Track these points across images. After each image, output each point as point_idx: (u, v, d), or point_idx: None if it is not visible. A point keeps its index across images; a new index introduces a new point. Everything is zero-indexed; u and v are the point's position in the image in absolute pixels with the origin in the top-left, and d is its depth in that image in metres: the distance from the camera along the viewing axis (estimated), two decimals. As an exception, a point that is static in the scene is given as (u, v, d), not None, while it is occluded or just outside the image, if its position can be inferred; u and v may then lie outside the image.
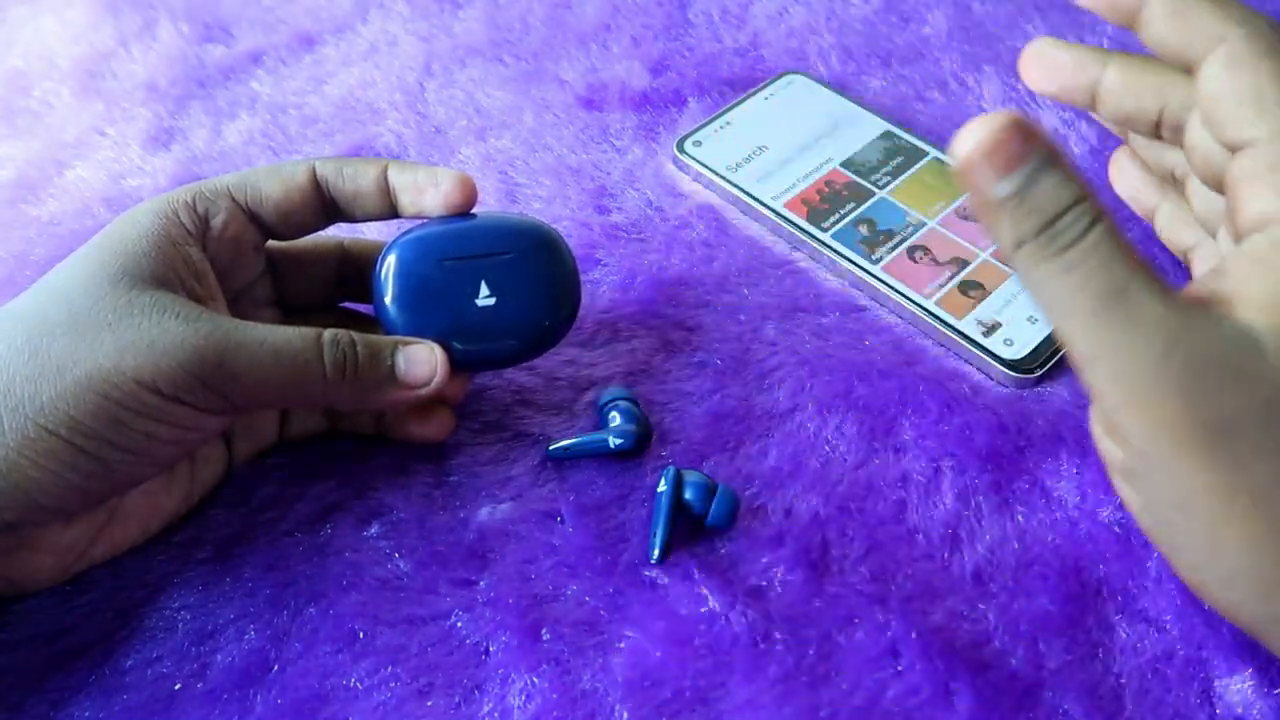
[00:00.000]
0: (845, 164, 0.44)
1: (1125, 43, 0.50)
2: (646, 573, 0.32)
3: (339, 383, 0.30)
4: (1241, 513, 0.21)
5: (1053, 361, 0.37)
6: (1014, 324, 0.38)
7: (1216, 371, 0.21)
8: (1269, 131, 0.23)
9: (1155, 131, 0.30)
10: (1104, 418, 0.24)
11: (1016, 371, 0.37)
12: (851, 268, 0.40)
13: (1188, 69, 0.26)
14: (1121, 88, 0.29)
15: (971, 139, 0.22)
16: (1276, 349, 0.21)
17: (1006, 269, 0.40)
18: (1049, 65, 0.29)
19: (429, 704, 0.29)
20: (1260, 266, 0.22)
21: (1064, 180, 0.22)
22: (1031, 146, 0.21)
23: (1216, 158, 0.27)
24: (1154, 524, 0.25)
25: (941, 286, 0.39)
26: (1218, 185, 0.28)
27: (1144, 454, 0.22)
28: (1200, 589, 0.25)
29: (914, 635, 0.30)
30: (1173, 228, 0.35)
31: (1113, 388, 0.22)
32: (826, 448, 0.35)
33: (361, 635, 0.31)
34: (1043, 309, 0.23)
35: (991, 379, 0.37)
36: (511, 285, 0.32)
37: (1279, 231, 0.23)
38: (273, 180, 0.33)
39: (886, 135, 0.45)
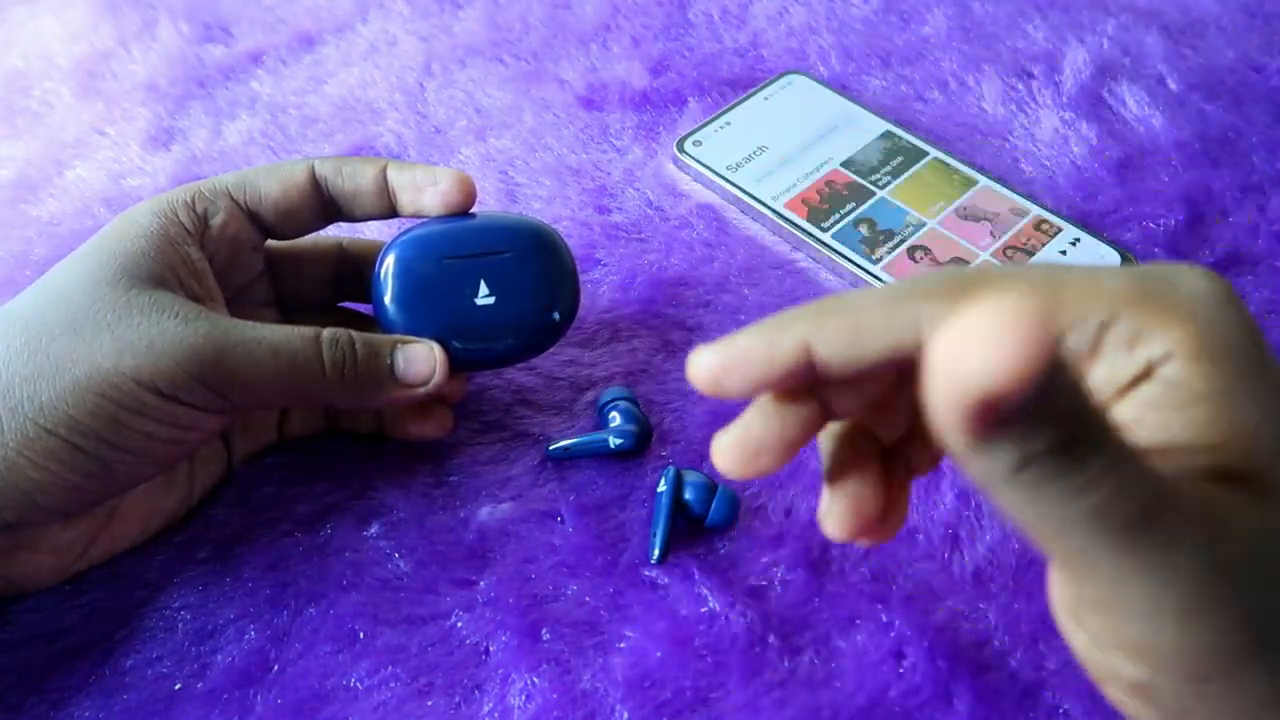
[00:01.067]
0: (845, 164, 0.44)
1: (1126, 43, 0.50)
2: (646, 573, 0.32)
3: (338, 381, 0.30)
4: None
5: (1053, 361, 0.37)
6: (1014, 324, 0.38)
7: (1266, 558, 0.18)
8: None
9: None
10: (1116, 637, 0.20)
11: (1017, 371, 0.37)
12: (851, 268, 0.40)
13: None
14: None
15: (989, 347, 0.14)
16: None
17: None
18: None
19: (429, 704, 0.29)
20: (1185, 400, 0.20)
21: (1077, 379, 0.17)
22: (1046, 338, 0.15)
23: None
24: None
25: (942, 286, 0.39)
26: None
27: (1183, 674, 0.19)
28: None
29: (914, 635, 0.30)
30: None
31: (1151, 610, 0.18)
32: (827, 448, 0.35)
33: (361, 635, 0.31)
34: (1046, 534, 0.18)
35: (992, 379, 0.37)
36: (510, 284, 0.32)
37: (1188, 348, 0.20)
38: (272, 180, 0.33)
39: (886, 135, 0.45)
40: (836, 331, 0.20)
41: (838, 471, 0.23)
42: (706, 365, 0.21)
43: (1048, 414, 0.16)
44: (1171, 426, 0.19)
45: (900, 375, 0.22)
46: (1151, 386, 0.20)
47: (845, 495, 0.23)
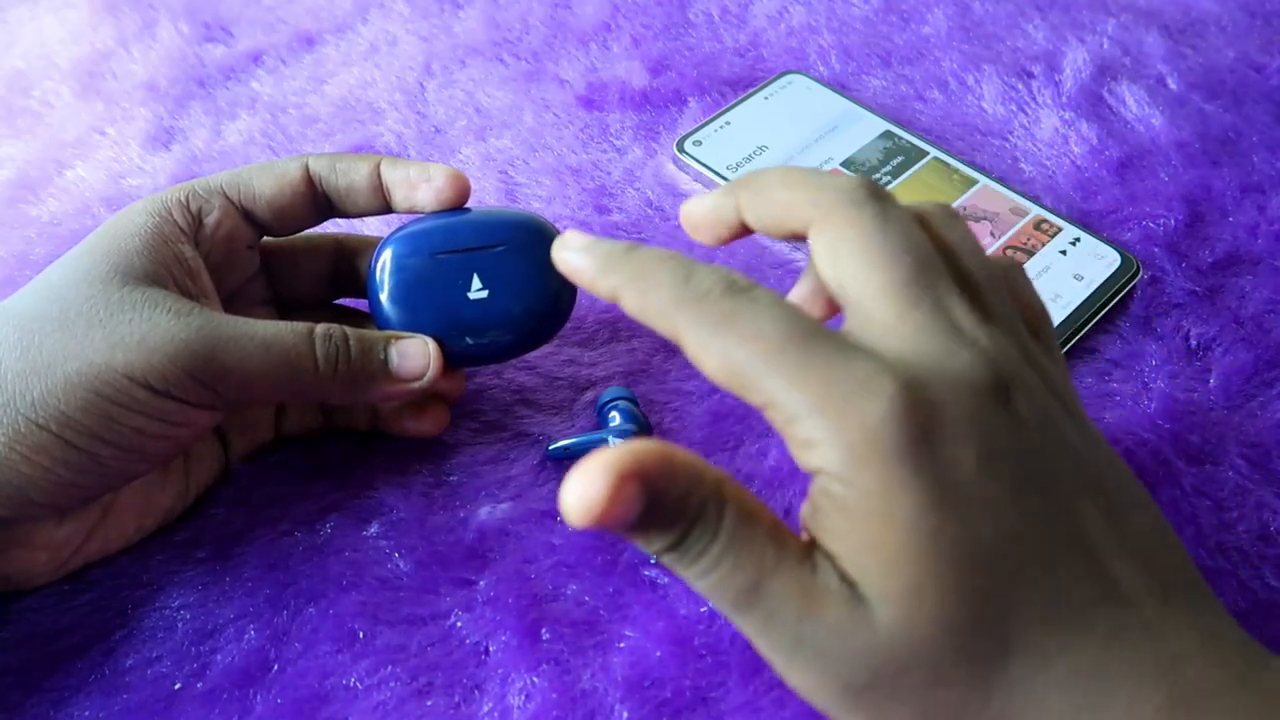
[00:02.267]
0: (845, 164, 0.44)
1: (1126, 43, 0.50)
2: (646, 572, 0.32)
3: (331, 377, 0.30)
4: None
5: (1053, 361, 0.37)
6: (1014, 324, 0.38)
7: (839, 641, 0.22)
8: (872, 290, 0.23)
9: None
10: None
11: (1016, 371, 0.37)
12: (851, 267, 0.40)
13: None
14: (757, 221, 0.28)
15: (576, 505, 0.21)
16: (875, 600, 0.21)
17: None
18: (693, 220, 0.28)
19: (429, 704, 0.29)
20: (831, 508, 0.22)
21: (683, 491, 0.22)
22: (636, 487, 0.21)
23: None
24: None
25: (941, 286, 0.39)
26: None
27: (816, 707, 0.23)
28: None
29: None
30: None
31: (774, 659, 0.23)
32: (826, 447, 0.35)
33: (361, 635, 0.31)
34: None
35: (991, 379, 0.37)
36: (504, 278, 0.32)
37: (835, 470, 0.22)
38: (266, 177, 0.33)
39: (886, 135, 0.45)
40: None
41: None
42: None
43: (654, 529, 0.22)
44: (826, 526, 0.22)
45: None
46: (816, 485, 0.23)
47: None
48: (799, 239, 0.26)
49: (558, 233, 0.34)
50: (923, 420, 0.21)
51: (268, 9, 0.54)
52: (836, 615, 0.22)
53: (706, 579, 0.22)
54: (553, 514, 0.33)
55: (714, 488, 0.22)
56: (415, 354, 0.31)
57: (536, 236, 0.33)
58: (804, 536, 0.23)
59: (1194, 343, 0.38)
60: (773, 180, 0.26)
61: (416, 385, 0.31)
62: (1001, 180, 0.43)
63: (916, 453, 0.21)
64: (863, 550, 0.22)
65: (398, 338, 0.32)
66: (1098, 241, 0.41)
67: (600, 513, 0.21)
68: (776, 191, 0.26)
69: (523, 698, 0.29)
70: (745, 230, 0.27)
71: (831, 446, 0.21)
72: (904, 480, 0.21)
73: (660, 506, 0.21)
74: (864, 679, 0.22)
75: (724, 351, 0.23)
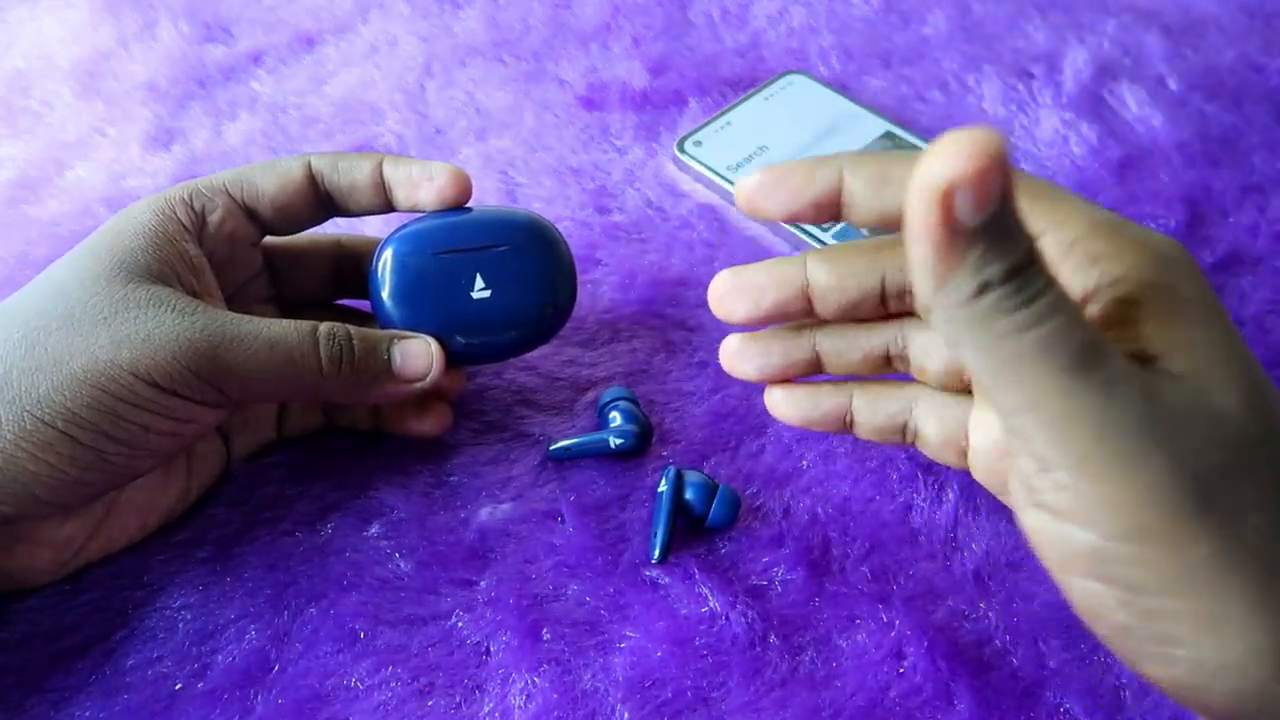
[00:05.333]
0: (845, 164, 0.44)
1: (1126, 43, 0.50)
2: (647, 573, 0.32)
3: (335, 376, 0.30)
4: (1243, 581, 0.19)
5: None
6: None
7: (1197, 425, 0.20)
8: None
9: (881, 307, 0.27)
10: (1062, 499, 0.21)
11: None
12: (852, 267, 0.40)
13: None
14: (836, 279, 0.26)
15: (957, 154, 0.18)
16: (1227, 398, 0.20)
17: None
18: (747, 290, 0.26)
19: (429, 704, 0.29)
20: (1142, 310, 0.22)
21: (1024, 226, 0.19)
22: (1008, 177, 0.18)
23: None
24: (1137, 618, 0.21)
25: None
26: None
27: (1129, 531, 0.20)
28: (1196, 687, 0.21)
29: (914, 635, 0.30)
30: (877, 406, 0.29)
31: (1097, 450, 0.20)
32: (826, 447, 0.35)
33: (362, 635, 0.31)
34: (996, 369, 0.20)
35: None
36: (506, 277, 0.32)
37: (1145, 273, 0.22)
38: (269, 176, 0.33)
39: (887, 135, 0.45)
40: (871, 170, 0.23)
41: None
42: (751, 183, 0.24)
43: (1000, 241, 0.19)
44: (1154, 331, 0.21)
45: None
46: (1098, 305, 0.22)
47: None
48: None
49: (559, 233, 0.34)
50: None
51: (268, 9, 0.54)
52: (1178, 398, 0.20)
53: (1045, 324, 0.19)
54: (553, 514, 0.33)
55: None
56: (418, 354, 0.31)
57: (539, 237, 0.33)
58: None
59: (1194, 343, 0.38)
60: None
61: (419, 385, 0.31)
62: (1002, 180, 0.43)
63: (1199, 273, 0.23)
64: (1200, 348, 0.21)
65: (401, 337, 0.32)
66: (1098, 242, 0.41)
67: (973, 172, 0.17)
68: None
69: (523, 698, 0.29)
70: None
71: (1135, 255, 0.22)
72: (1205, 291, 0.22)
73: (1010, 215, 0.19)
74: (1219, 457, 0.20)
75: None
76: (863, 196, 0.23)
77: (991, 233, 0.18)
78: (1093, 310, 0.22)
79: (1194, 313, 0.22)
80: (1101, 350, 0.20)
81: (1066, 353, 0.19)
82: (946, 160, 0.18)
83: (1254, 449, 0.20)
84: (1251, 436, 0.20)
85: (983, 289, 0.19)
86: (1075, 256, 0.22)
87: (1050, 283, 0.19)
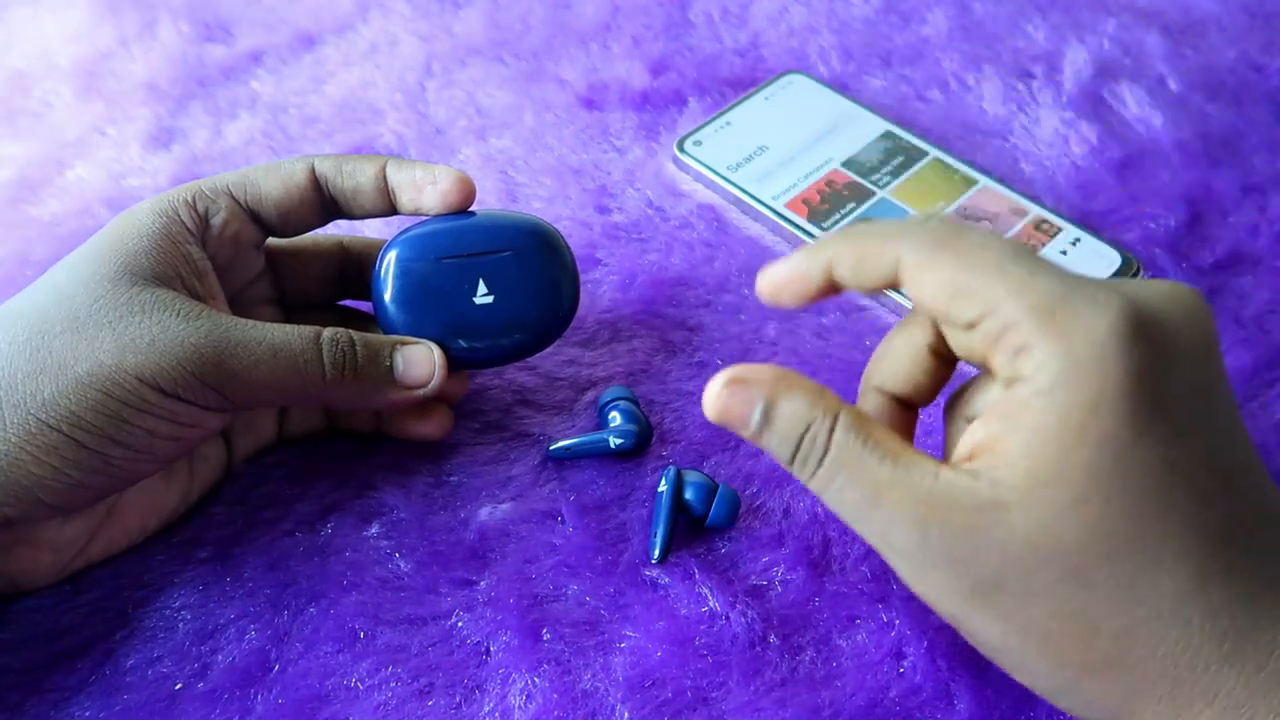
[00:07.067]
0: (846, 164, 0.44)
1: (1126, 43, 0.50)
2: (647, 573, 0.32)
3: (338, 382, 0.30)
4: (1038, 648, 0.23)
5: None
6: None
7: (969, 541, 0.23)
8: (1003, 293, 0.23)
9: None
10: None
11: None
12: (852, 267, 0.40)
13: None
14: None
15: (708, 402, 0.25)
16: (1018, 503, 0.22)
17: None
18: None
19: (429, 704, 0.29)
20: (1015, 418, 0.23)
21: (796, 405, 0.24)
22: (752, 390, 0.25)
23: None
24: (988, 653, 0.26)
25: (942, 286, 0.39)
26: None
27: (943, 614, 0.25)
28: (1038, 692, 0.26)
29: (914, 635, 0.30)
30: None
31: (900, 566, 0.24)
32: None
33: (362, 635, 0.31)
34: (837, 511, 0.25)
35: (992, 379, 0.37)
36: (509, 283, 0.32)
37: (1042, 380, 0.22)
38: (272, 178, 0.33)
39: (887, 135, 0.45)
40: (850, 258, 0.26)
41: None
42: (766, 292, 0.27)
43: (778, 434, 0.25)
44: (993, 434, 0.23)
45: None
46: (1009, 394, 0.23)
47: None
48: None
49: (563, 240, 0.34)
50: (1153, 336, 0.22)
51: (268, 9, 0.54)
52: (964, 520, 0.22)
53: (832, 484, 0.24)
54: (553, 514, 0.33)
55: (832, 410, 0.24)
56: (420, 361, 0.31)
57: (541, 242, 0.33)
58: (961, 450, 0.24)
59: (1194, 343, 0.38)
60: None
61: (421, 392, 0.31)
62: (1002, 180, 0.43)
63: (1140, 370, 0.21)
64: (1026, 458, 0.22)
65: (403, 343, 0.32)
66: (1098, 242, 0.41)
67: (721, 406, 0.25)
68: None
69: (524, 698, 0.29)
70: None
71: (1048, 355, 0.22)
72: (1116, 399, 0.21)
73: (783, 392, 0.25)
74: (994, 577, 0.22)
75: (946, 265, 0.23)
76: (851, 281, 0.26)
77: (766, 428, 0.25)
78: (999, 408, 0.23)
79: (1069, 419, 0.22)
80: (879, 490, 0.23)
81: (853, 499, 0.24)
82: (706, 406, 0.25)
83: (1037, 565, 0.22)
84: (1039, 551, 0.22)
85: (786, 464, 0.25)
86: (1001, 349, 0.23)
87: (829, 438, 0.24)
